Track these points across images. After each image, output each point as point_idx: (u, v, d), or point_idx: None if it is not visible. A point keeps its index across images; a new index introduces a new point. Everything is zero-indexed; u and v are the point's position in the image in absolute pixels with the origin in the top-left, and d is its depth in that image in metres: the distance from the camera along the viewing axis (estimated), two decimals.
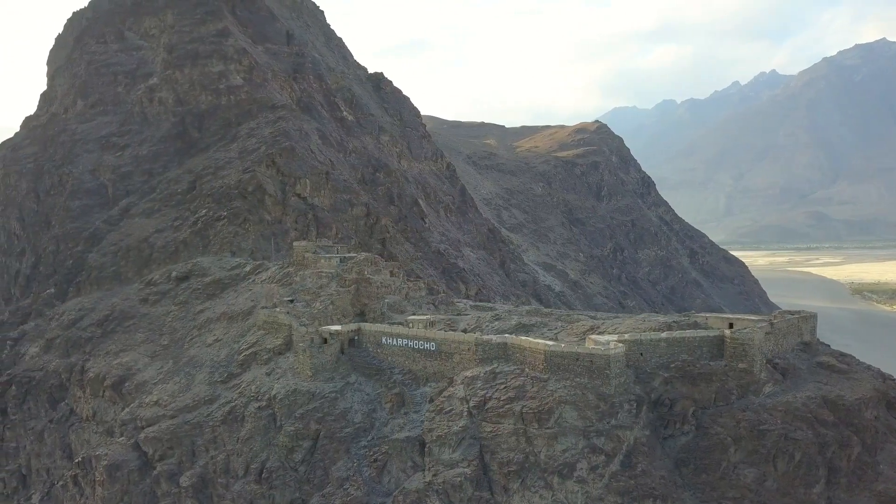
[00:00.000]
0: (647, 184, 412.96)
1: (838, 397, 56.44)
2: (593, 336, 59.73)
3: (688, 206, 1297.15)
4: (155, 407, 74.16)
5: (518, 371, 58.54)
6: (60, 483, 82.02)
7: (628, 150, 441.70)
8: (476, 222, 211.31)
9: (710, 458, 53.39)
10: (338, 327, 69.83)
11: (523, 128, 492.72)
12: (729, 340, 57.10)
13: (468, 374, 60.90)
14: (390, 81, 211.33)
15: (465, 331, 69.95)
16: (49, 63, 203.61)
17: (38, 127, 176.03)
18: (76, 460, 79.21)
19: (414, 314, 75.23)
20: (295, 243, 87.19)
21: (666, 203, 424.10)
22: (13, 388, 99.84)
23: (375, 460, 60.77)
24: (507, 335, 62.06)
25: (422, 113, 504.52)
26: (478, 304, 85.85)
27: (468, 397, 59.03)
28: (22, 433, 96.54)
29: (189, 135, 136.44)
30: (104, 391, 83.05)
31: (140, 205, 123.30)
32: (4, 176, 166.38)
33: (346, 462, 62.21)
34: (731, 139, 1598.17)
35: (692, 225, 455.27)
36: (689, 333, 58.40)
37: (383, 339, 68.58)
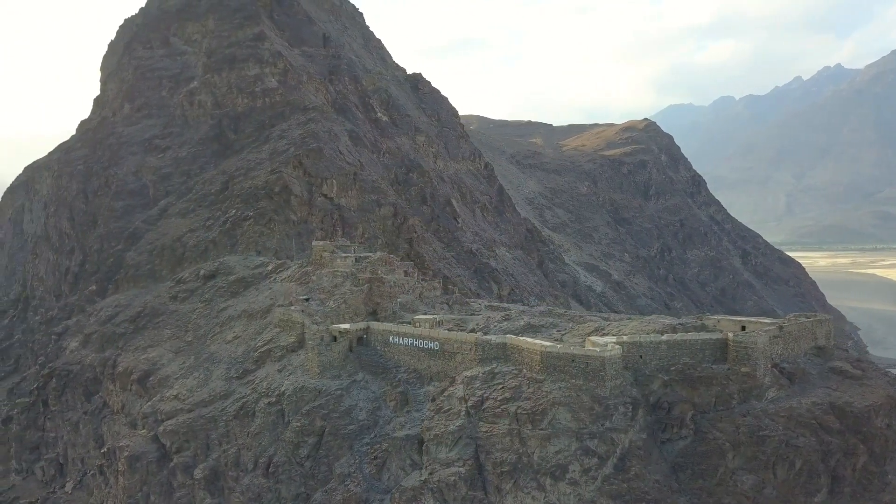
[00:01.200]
0: (697, 183, 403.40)
1: (846, 404, 54.55)
2: (592, 338, 59.18)
3: (745, 205, 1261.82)
4: (174, 401, 76.69)
5: (516, 372, 58.49)
6: (91, 472, 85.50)
7: (678, 148, 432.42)
8: (513, 222, 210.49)
9: (707, 464, 52.34)
10: (346, 326, 70.96)
11: (571, 126, 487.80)
12: (732, 344, 55.85)
13: (468, 373, 61.13)
14: (428, 82, 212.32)
15: (472, 331, 70.05)
16: (102, 69, 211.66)
17: (89, 130, 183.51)
18: (102, 451, 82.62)
19: (425, 314, 75.83)
20: (314, 243, 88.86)
21: (717, 202, 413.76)
22: (54, 380, 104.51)
23: (376, 458, 61.55)
24: (506, 335, 61.90)
25: (470, 112, 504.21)
26: (493, 304, 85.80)
27: (467, 397, 59.28)
28: (60, 423, 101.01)
29: (226, 137, 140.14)
30: (131, 385, 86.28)
31: (177, 205, 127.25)
32: (57, 177, 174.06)
33: (348, 459, 63.20)
34: (792, 136, 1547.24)
35: (747, 225, 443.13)
36: (690, 336, 57.30)
37: (390, 338, 69.36)
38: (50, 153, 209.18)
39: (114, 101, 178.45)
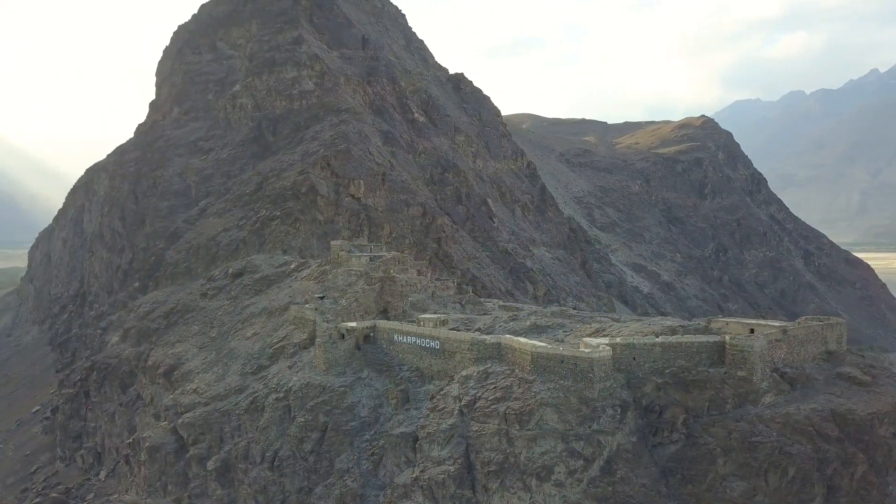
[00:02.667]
0: (757, 181, 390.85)
1: (848, 411, 52.48)
2: (586, 339, 58.55)
3: (815, 204, 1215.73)
4: (193, 394, 79.44)
5: (508, 372, 58.46)
6: (120, 462, 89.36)
7: (737, 145, 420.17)
8: (556, 221, 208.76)
9: (697, 469, 51.28)
10: (353, 324, 72.14)
11: (626, 124, 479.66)
12: (729, 347, 54.45)
13: (464, 372, 61.45)
14: (470, 81, 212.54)
15: (477, 330, 70.34)
16: (157, 73, 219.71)
17: (142, 133, 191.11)
18: (127, 441, 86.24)
19: (434, 313, 76.36)
20: (332, 242, 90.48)
21: (778, 201, 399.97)
22: (95, 373, 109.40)
23: (373, 454, 62.53)
24: (501, 335, 61.86)
25: (522, 111, 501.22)
26: (506, 304, 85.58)
27: (461, 396, 59.58)
28: (99, 414, 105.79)
29: (264, 138, 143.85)
30: (158, 378, 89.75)
31: (215, 205, 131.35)
32: (111, 178, 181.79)
33: (348, 454, 64.36)
34: (866, 131, 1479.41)
35: (817, 225, 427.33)
36: (685, 339, 56.12)
37: (395, 337, 70.23)
38: (108, 155, 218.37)
39: (164, 105, 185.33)
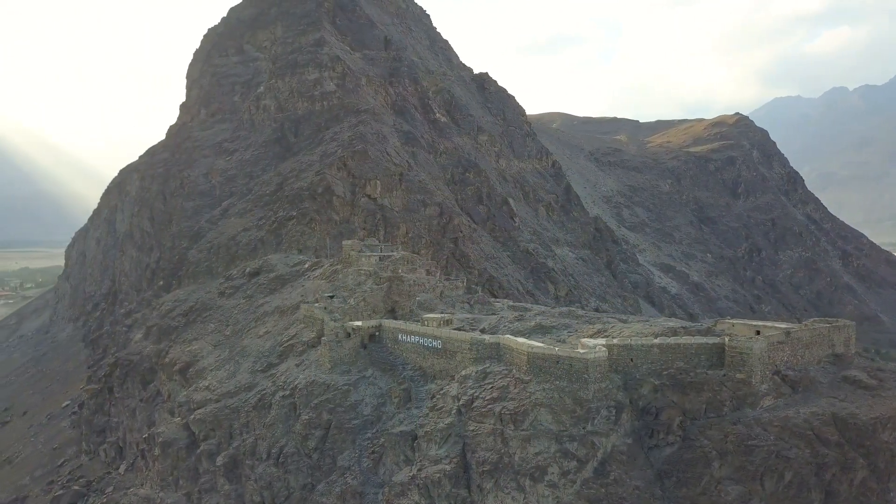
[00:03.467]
0: (793, 180, 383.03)
1: (850, 415, 51.32)
2: (584, 339, 58.26)
3: (859, 203, 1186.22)
4: (205, 391, 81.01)
5: (506, 372, 58.49)
6: (138, 456, 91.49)
7: (773, 143, 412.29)
8: (581, 221, 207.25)
9: (692, 472, 50.66)
10: (359, 323, 72.79)
11: (658, 122, 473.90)
12: (728, 349, 53.67)
13: (464, 372, 61.66)
14: (495, 81, 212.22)
15: (482, 330, 70.40)
16: (188, 76, 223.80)
17: (172, 134, 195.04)
18: (143, 436, 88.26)
19: (441, 312, 76.60)
20: (343, 242, 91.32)
21: (815, 200, 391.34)
22: (118, 369, 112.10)
23: (373, 452, 63.09)
24: (499, 335, 61.87)
25: (553, 110, 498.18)
26: (516, 304, 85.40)
27: (459, 395, 59.78)
28: (121, 409, 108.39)
29: (286, 139, 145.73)
30: (174, 375, 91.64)
31: (237, 205, 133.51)
32: (142, 179, 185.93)
33: (350, 452, 65.05)
34: None
35: (855, 225, 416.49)
36: (684, 340, 55.50)
37: (399, 336, 70.72)
38: (140, 156, 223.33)
39: (193, 107, 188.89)
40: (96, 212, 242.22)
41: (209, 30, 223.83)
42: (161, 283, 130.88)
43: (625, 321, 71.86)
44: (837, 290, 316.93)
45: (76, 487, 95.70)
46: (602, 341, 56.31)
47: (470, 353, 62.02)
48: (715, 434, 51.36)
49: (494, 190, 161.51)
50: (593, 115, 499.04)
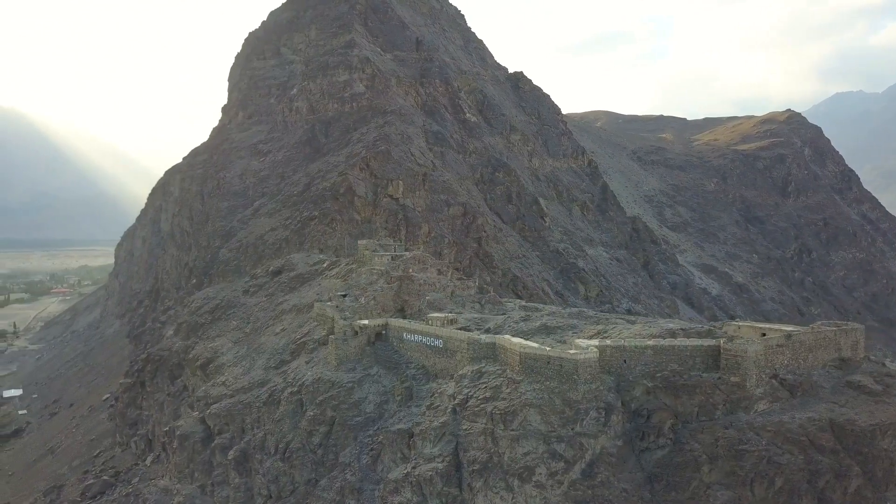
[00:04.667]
0: (847, 178, 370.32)
1: (849, 421, 49.77)
2: (578, 340, 57.85)
3: None
4: (221, 387, 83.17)
5: (500, 371, 58.49)
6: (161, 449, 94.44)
7: (827, 140, 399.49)
8: (617, 220, 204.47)
9: (681, 476, 49.96)
10: (366, 321, 73.68)
11: (706, 120, 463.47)
12: (723, 352, 52.62)
13: (461, 371, 61.92)
14: (529, 80, 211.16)
15: (487, 330, 70.52)
16: (229, 79, 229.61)
17: (212, 136, 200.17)
18: (165, 429, 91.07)
19: (450, 312, 76.97)
20: (359, 241, 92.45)
21: (872, 199, 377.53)
22: (149, 364, 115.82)
23: (372, 449, 63.78)
24: (496, 335, 61.87)
25: (597, 108, 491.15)
26: (528, 304, 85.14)
27: (455, 394, 60.07)
28: (151, 403, 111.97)
29: (317, 140, 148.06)
30: (197, 370, 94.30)
31: (267, 205, 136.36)
32: (182, 180, 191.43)
33: (352, 449, 65.91)
34: None
35: None
36: (678, 342, 54.65)
37: (404, 335, 71.33)
38: (184, 157, 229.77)
39: (232, 109, 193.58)
40: (143, 211, 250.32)
41: (250, 34, 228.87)
42: (194, 280, 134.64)
43: (633, 322, 71.08)
44: (895, 293, 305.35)
45: (105, 477, 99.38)
46: (595, 342, 55.81)
47: (467, 352, 62.25)
48: (706, 438, 50.47)
49: (525, 189, 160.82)
50: (639, 114, 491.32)
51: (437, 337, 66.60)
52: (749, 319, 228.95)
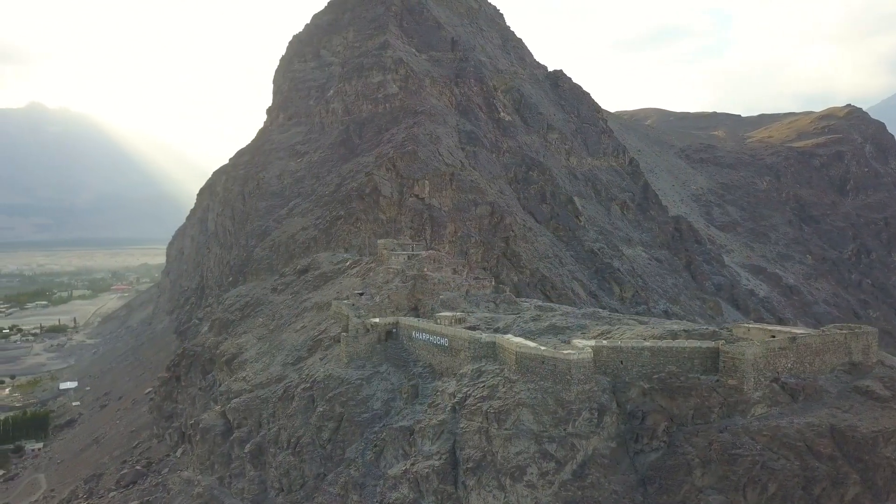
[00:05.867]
0: None
1: (850, 427, 48.10)
2: (575, 340, 57.39)
3: None
4: (242, 382, 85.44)
5: (499, 371, 58.48)
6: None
7: (891, 136, 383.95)
8: (659, 220, 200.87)
9: (673, 479, 49.15)
10: (377, 320, 74.59)
11: (761, 116, 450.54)
12: (721, 354, 51.49)
13: (462, 370, 62.15)
14: (569, 78, 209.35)
15: (497, 329, 70.58)
16: (274, 81, 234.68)
17: (256, 137, 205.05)
18: (189, 422, 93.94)
19: (463, 311, 77.26)
20: (379, 241, 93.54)
21: None
22: (185, 359, 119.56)
23: (376, 445, 64.58)
24: (496, 334, 61.89)
25: (648, 106, 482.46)
26: (543, 304, 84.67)
27: (455, 393, 60.34)
28: (185, 397, 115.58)
29: (352, 141, 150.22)
30: (223, 366, 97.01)
31: (301, 205, 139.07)
32: (226, 181, 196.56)
33: (357, 445, 66.87)
34: None
35: None
36: (676, 344, 53.76)
37: (413, 333, 71.96)
38: (230, 158, 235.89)
39: (274, 111, 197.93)
40: (192, 211, 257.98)
41: (294, 36, 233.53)
42: (230, 279, 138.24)
43: (645, 323, 70.04)
44: None
45: (138, 468, 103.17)
46: (591, 342, 55.30)
47: (468, 351, 62.45)
48: (700, 441, 49.48)
49: (559, 188, 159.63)
50: (691, 111, 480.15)
51: (443, 336, 66.95)
52: (799, 322, 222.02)
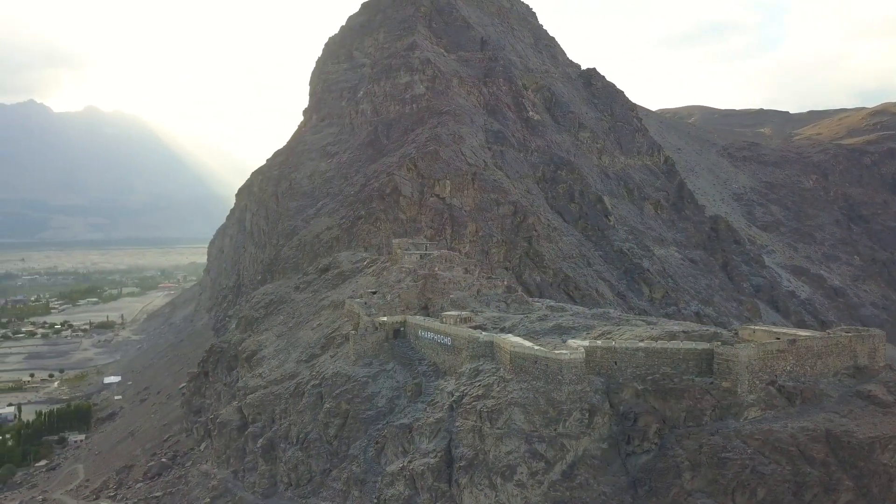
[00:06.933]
0: None
1: (846, 433, 46.79)
2: (571, 340, 57.06)
3: None
4: (258, 378, 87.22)
5: (495, 370, 58.57)
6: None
7: None
8: (694, 220, 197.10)
9: (663, 482, 48.65)
10: (384, 318, 75.33)
11: (810, 113, 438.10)
12: (715, 356, 50.62)
13: (461, 369, 62.43)
14: (602, 76, 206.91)
15: (503, 329, 70.60)
16: (309, 83, 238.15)
17: (291, 138, 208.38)
18: (210, 417, 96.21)
19: (472, 311, 77.40)
20: (394, 240, 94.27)
21: None
22: (212, 355, 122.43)
23: (377, 442, 65.31)
24: (494, 334, 61.93)
25: (692, 103, 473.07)
26: (555, 305, 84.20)
27: (454, 392, 60.67)
28: (212, 392, 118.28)
29: (379, 142, 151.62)
30: (244, 362, 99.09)
31: (329, 205, 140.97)
32: (262, 181, 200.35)
33: (361, 441, 67.73)
34: None
35: None
36: (670, 345, 53.06)
37: (419, 332, 72.46)
38: (268, 159, 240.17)
39: (308, 112, 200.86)
40: (232, 211, 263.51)
41: (329, 38, 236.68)
42: (259, 277, 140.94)
43: (653, 324, 69.15)
44: None
45: (164, 460, 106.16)
46: (585, 343, 54.93)
47: (468, 350, 62.64)
48: (691, 444, 48.77)
49: (588, 188, 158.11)
50: (736, 108, 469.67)
51: (446, 335, 67.29)
52: (843, 325, 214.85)
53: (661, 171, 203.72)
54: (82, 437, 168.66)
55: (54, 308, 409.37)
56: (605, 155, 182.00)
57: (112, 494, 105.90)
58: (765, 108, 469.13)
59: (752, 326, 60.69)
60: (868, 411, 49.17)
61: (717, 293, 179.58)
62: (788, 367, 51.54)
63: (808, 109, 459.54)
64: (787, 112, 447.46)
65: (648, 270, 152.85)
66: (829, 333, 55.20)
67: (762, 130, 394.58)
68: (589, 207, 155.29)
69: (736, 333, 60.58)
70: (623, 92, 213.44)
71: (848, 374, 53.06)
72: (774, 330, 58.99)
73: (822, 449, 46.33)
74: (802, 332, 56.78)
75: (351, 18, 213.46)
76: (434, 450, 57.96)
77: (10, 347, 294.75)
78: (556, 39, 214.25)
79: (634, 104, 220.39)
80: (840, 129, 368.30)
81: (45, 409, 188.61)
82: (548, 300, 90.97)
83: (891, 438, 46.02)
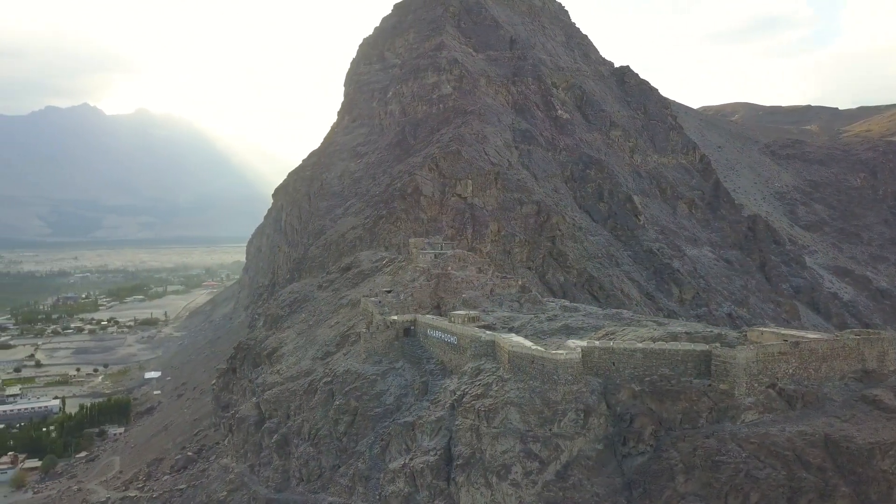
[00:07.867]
0: None
1: (845, 438, 45.53)
2: (570, 340, 56.71)
3: None
4: (276, 375, 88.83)
5: (495, 369, 58.61)
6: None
7: None
8: (730, 219, 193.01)
9: (656, 484, 48.06)
10: (395, 317, 75.97)
11: (860, 109, 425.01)
12: (713, 358, 49.78)
13: (464, 368, 62.62)
14: (636, 74, 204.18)
15: (512, 329, 70.56)
16: (344, 84, 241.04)
17: (325, 139, 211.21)
18: (231, 412, 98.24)
19: (484, 310, 77.51)
20: (411, 239, 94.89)
21: None
22: (240, 352, 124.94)
23: (383, 439, 65.93)
24: (496, 333, 61.94)
25: (736, 100, 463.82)
26: (568, 305, 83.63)
27: (455, 390, 60.91)
28: (238, 388, 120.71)
29: (407, 142, 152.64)
30: (265, 359, 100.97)
31: (355, 205, 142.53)
32: (295, 181, 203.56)
33: (368, 439, 68.46)
34: None
35: None
36: (669, 346, 52.41)
37: (428, 331, 72.87)
38: (303, 160, 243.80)
39: (340, 113, 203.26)
40: (269, 211, 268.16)
41: (363, 40, 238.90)
42: (288, 276, 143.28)
43: (664, 325, 68.21)
44: None
45: (190, 454, 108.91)
46: (583, 343, 54.56)
47: (471, 349, 62.80)
48: (685, 446, 48.08)
49: (618, 187, 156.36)
50: (783, 105, 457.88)
51: (452, 334, 67.54)
52: (889, 328, 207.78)
53: (696, 169, 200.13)
54: (121, 430, 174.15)
55: (102, 305, 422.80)
56: (637, 153, 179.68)
57: (140, 486, 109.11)
58: (814, 104, 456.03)
59: (761, 328, 59.34)
60: (871, 416, 47.72)
61: (752, 294, 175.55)
62: (791, 370, 50.36)
63: (858, 105, 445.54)
64: (836, 108, 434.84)
65: (678, 271, 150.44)
66: (836, 336, 53.62)
67: (809, 128, 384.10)
68: (618, 207, 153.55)
69: (744, 335, 59.42)
70: (657, 90, 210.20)
71: (855, 378, 51.58)
72: (783, 332, 57.70)
73: (820, 454, 45.19)
74: (810, 335, 55.35)
75: (384, 20, 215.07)
76: (434, 448, 58.30)
77: (59, 343, 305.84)
78: (590, 38, 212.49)
79: (670, 102, 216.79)
80: (891, 126, 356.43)
81: (87, 402, 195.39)
82: (562, 300, 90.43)
83: (891, 445, 44.58)
